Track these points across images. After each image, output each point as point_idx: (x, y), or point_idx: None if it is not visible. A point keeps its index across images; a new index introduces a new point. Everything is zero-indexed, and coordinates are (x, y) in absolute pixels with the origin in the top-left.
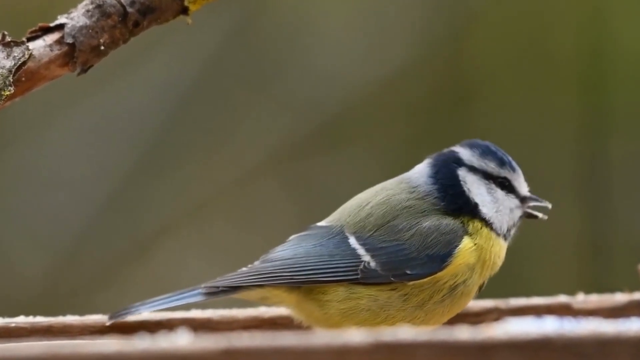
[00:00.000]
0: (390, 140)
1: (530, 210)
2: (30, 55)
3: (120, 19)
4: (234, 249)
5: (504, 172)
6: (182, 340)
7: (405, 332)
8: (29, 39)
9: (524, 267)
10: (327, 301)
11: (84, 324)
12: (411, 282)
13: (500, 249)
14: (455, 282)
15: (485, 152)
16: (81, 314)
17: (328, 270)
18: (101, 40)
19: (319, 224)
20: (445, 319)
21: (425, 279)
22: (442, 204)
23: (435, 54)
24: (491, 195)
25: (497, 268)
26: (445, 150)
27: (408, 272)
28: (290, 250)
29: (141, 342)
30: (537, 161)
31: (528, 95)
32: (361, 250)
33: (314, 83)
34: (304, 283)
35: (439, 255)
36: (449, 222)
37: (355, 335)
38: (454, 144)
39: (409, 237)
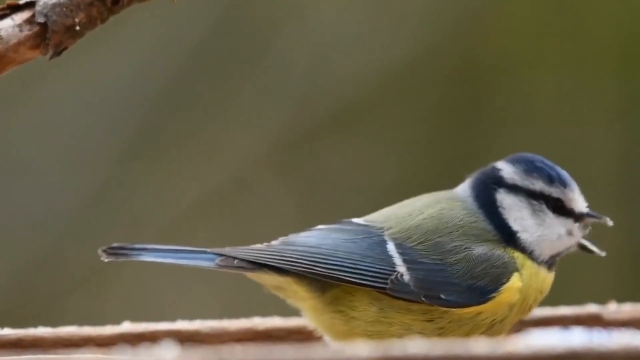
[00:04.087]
0: (400, 132)
1: (585, 243)
2: None
3: None
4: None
5: (554, 191)
6: (167, 354)
7: (416, 346)
8: None
9: None
10: (353, 318)
11: (57, 336)
12: (444, 309)
13: (543, 280)
14: (494, 320)
15: (531, 169)
16: (54, 325)
17: (355, 271)
18: (77, 20)
19: (354, 220)
20: None
21: (466, 310)
22: (491, 229)
23: (453, 35)
24: (535, 219)
25: (536, 304)
26: (487, 167)
27: (442, 296)
28: (316, 238)
29: (121, 357)
30: (569, 153)
31: (559, 77)
32: (398, 260)
33: (319, 72)
34: (324, 277)
35: (481, 288)
36: (501, 253)
37: (361, 349)
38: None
39: (455, 260)
